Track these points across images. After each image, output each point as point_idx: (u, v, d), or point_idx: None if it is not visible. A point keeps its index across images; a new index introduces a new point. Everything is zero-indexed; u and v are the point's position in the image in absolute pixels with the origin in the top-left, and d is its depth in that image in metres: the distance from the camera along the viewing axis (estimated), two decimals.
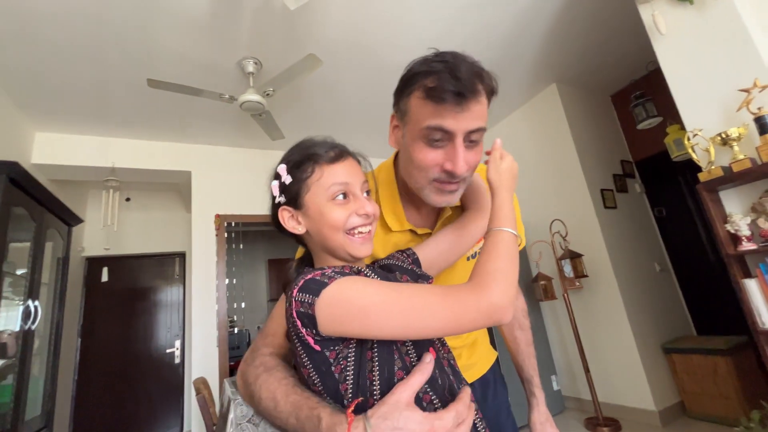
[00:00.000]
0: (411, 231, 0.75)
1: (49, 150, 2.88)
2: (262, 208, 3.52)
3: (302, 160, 0.60)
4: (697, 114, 1.53)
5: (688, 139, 1.54)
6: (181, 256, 4.26)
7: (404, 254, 0.69)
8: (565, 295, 2.92)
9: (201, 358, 2.99)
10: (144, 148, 3.20)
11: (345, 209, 0.58)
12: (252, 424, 2.06)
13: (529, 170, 3.43)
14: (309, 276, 0.52)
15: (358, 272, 0.57)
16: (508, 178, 0.65)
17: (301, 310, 0.50)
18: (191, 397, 3.23)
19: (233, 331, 4.61)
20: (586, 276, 2.88)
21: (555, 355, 3.27)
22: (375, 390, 0.50)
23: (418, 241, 0.75)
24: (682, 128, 2.31)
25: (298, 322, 0.50)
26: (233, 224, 3.50)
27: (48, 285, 2.36)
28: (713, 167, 1.44)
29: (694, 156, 1.51)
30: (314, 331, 0.50)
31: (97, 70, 2.28)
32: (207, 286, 3.16)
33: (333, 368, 0.51)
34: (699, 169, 1.51)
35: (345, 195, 0.59)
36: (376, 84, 2.81)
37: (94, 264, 3.82)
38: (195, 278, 3.14)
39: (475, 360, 0.85)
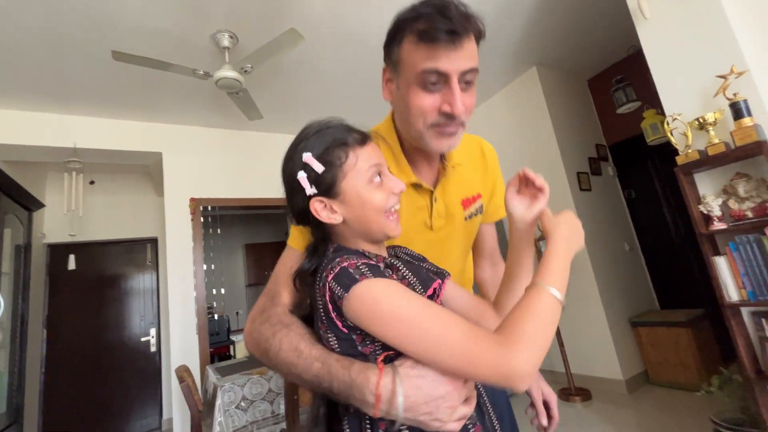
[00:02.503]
0: (417, 185, 0.75)
1: (3, 128, 2.63)
2: (239, 191, 3.44)
3: (331, 146, 0.57)
4: (676, 99, 1.59)
5: (667, 124, 1.60)
6: (153, 242, 4.08)
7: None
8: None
9: (180, 345, 2.92)
10: (110, 127, 2.98)
11: (383, 191, 0.58)
12: (240, 409, 2.03)
13: (510, 153, 3.48)
14: (345, 264, 0.51)
15: (391, 265, 0.56)
16: (568, 229, 0.59)
17: (333, 297, 0.51)
18: (170, 385, 3.16)
19: (213, 317, 4.51)
20: None
21: None
22: None
23: (424, 198, 0.76)
24: (659, 113, 2.40)
25: (330, 306, 0.51)
26: (209, 208, 3.36)
27: (8, 275, 2.20)
28: (690, 151, 1.50)
29: (672, 140, 1.57)
30: (342, 318, 0.51)
31: (54, 41, 2.08)
32: (183, 273, 3.05)
33: (360, 348, 0.52)
34: (668, 153, 1.58)
35: (379, 176, 0.59)
36: (362, 62, 2.72)
37: (57, 251, 3.59)
38: (170, 264, 3.02)
39: None
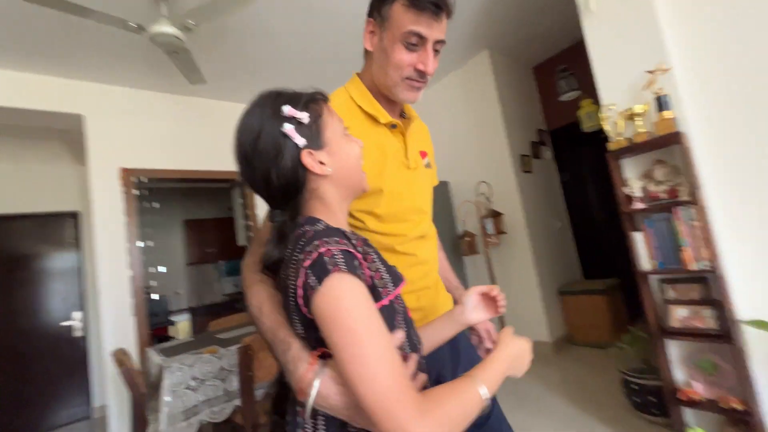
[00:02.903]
0: (393, 126, 0.85)
1: None
2: (178, 162, 3.16)
3: (307, 100, 0.59)
4: (611, 90, 1.75)
5: (602, 113, 1.76)
6: (74, 217, 3.64)
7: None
8: (486, 250, 3.26)
9: (112, 328, 2.69)
10: (15, 81, 2.54)
11: (354, 143, 0.64)
12: (190, 390, 1.95)
13: (461, 134, 3.61)
14: (323, 250, 0.50)
15: (365, 257, 0.55)
16: (518, 353, 0.64)
17: (306, 285, 0.50)
18: (102, 371, 2.93)
19: (151, 297, 4.20)
20: (505, 233, 3.24)
21: None
22: None
23: (398, 139, 0.86)
24: (594, 102, 2.63)
25: (300, 291, 0.50)
26: (141, 180, 3.05)
27: None
28: (619, 138, 1.68)
29: (606, 128, 1.74)
30: (308, 307, 0.50)
31: None
32: (115, 250, 2.78)
33: (320, 333, 0.51)
34: (599, 140, 1.76)
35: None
36: (318, 30, 2.59)
37: None
38: (99, 242, 2.73)
39: (441, 301, 0.92)
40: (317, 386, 0.50)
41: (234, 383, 1.89)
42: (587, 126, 2.67)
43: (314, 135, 0.58)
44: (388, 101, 0.86)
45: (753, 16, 1.45)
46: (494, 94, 3.33)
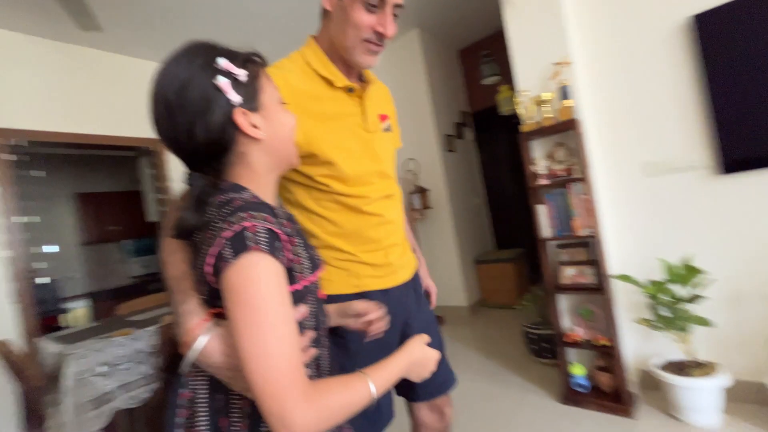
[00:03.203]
0: (350, 89, 0.85)
1: None
2: (68, 125, 2.71)
3: (246, 58, 0.55)
4: (526, 78, 1.95)
5: (518, 98, 1.96)
6: None
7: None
8: (413, 224, 3.44)
9: None
10: None
11: (289, 114, 0.62)
12: (100, 376, 1.79)
13: None
14: (247, 224, 0.48)
15: (290, 239, 0.55)
16: (421, 359, 0.64)
17: (220, 256, 0.48)
18: None
19: (38, 282, 3.59)
20: (431, 208, 3.45)
21: None
22: None
23: (355, 102, 0.86)
24: (511, 89, 2.88)
25: (211, 260, 0.49)
26: (19, 143, 2.54)
27: None
28: (530, 122, 1.90)
29: (520, 112, 1.94)
30: (216, 277, 0.49)
31: None
32: None
33: (221, 303, 0.52)
34: (512, 124, 1.96)
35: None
36: None
37: None
38: None
39: (407, 259, 0.98)
40: (203, 342, 0.50)
41: (152, 366, 1.77)
42: (505, 110, 2.93)
43: (250, 95, 0.54)
44: (346, 65, 0.85)
45: (634, 19, 1.73)
46: (423, 74, 3.44)
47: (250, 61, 0.56)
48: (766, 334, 1.52)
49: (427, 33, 3.52)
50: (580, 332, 1.86)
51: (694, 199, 1.66)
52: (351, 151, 0.83)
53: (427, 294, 1.09)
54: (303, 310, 0.57)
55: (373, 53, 0.81)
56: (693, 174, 1.65)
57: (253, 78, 0.56)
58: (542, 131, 1.85)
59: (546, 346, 2.21)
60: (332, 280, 0.84)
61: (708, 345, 1.63)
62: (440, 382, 0.99)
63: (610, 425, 1.62)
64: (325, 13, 0.84)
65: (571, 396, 1.81)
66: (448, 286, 3.53)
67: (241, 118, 0.53)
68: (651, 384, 1.76)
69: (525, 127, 1.91)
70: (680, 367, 1.59)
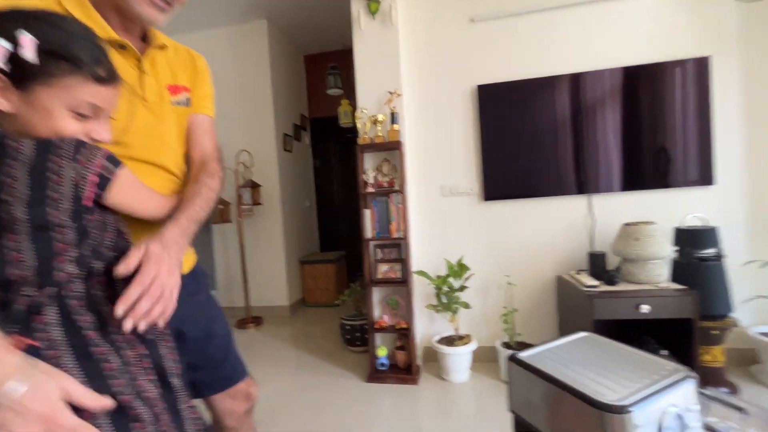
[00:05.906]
0: (121, 46, 0.70)
1: None
2: None
3: (62, 54, 0.51)
4: (366, 97, 2.23)
5: (357, 114, 2.21)
6: None
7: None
8: (240, 219, 3.26)
9: None
10: None
11: (81, 126, 0.56)
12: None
13: (228, 97, 3.40)
14: (104, 149, 0.58)
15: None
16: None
17: (103, 173, 0.57)
18: None
19: None
20: (261, 204, 3.35)
21: (218, 273, 3.58)
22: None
23: (130, 63, 0.72)
24: (351, 104, 3.17)
25: (96, 179, 0.56)
26: None
27: None
28: (366, 136, 2.17)
29: (358, 126, 2.20)
30: (101, 193, 0.57)
31: None
32: None
33: (84, 224, 0.56)
34: (348, 137, 2.21)
35: (86, 116, 0.56)
36: None
37: None
38: None
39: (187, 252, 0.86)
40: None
41: None
42: (344, 122, 3.19)
43: (25, 77, 0.50)
44: (122, 17, 0.70)
45: (445, 76, 2.26)
46: (267, 67, 3.37)
47: (73, 64, 0.52)
48: (499, 312, 2.22)
49: (275, 29, 3.48)
50: (387, 319, 2.21)
51: (468, 215, 2.27)
52: (113, 124, 0.67)
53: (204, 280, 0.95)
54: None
55: (157, 8, 0.68)
56: (469, 198, 2.27)
57: (50, 74, 0.51)
58: (374, 146, 2.14)
59: (358, 335, 2.50)
60: None
61: (466, 322, 2.25)
62: (228, 375, 0.94)
63: (401, 393, 1.99)
64: None
65: (375, 375, 2.12)
66: (271, 285, 3.49)
67: None
68: (431, 356, 2.26)
69: (361, 141, 2.17)
70: (450, 341, 2.12)
